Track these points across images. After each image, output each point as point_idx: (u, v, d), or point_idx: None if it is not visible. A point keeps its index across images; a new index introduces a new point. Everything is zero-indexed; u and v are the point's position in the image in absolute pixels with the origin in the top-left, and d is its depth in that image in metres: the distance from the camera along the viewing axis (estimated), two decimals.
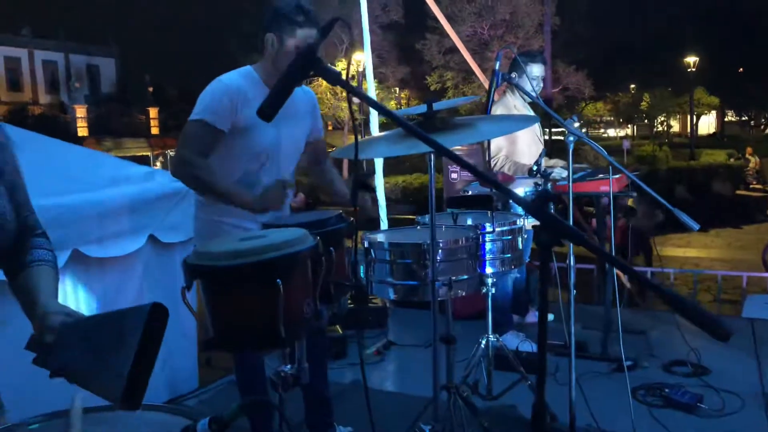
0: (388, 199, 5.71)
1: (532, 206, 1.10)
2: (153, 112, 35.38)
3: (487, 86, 3.02)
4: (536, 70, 4.05)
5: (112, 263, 3.23)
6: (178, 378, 3.59)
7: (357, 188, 1.43)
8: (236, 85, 2.47)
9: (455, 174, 7.23)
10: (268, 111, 1.29)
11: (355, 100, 1.48)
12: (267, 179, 2.55)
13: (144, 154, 31.37)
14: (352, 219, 1.70)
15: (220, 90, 2.47)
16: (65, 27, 41.86)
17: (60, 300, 1.41)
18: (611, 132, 47.81)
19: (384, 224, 5.34)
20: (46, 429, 1.23)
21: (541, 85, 4.15)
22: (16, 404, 1.46)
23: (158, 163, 30.78)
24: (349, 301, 4.33)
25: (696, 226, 2.66)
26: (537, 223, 1.12)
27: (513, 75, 3.95)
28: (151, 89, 36.62)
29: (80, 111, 32.55)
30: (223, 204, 2.49)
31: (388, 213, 5.47)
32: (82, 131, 31.67)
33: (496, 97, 4.08)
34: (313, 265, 1.35)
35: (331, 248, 1.43)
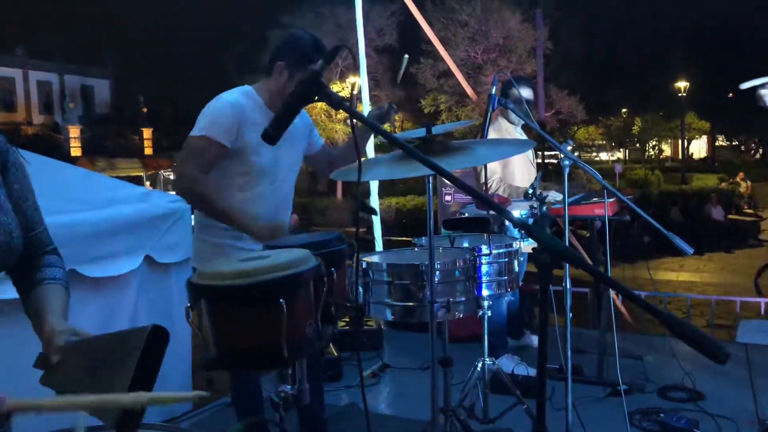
0: (381, 221, 5.73)
1: (531, 229, 1.12)
2: (147, 132, 35.46)
3: (479, 109, 3.06)
4: (525, 93, 4.08)
5: (108, 283, 3.23)
6: None
7: (359, 210, 1.45)
8: (239, 103, 2.50)
9: (449, 196, 7.27)
10: (273, 134, 1.31)
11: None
12: (265, 199, 2.57)
13: (137, 174, 31.37)
14: (352, 241, 1.72)
15: (224, 107, 2.49)
16: (60, 47, 42.07)
17: None
18: (603, 156, 48.14)
19: (379, 246, 5.35)
20: None
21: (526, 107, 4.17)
22: (22, 422, 1.45)
23: (169, 174, 30.36)
24: (342, 323, 4.32)
25: (690, 250, 2.68)
26: (535, 245, 1.14)
27: (512, 100, 4.01)
28: (145, 110, 36.71)
29: (74, 131, 32.59)
30: (220, 223, 2.50)
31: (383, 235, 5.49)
32: (75, 151, 31.68)
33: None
34: (316, 286, 1.36)
35: (333, 269, 1.44)
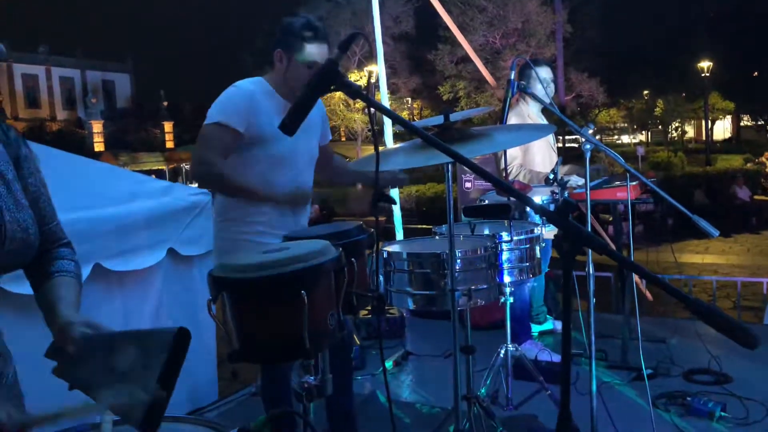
0: (402, 209, 5.73)
1: (553, 215, 1.11)
2: (168, 126, 35.78)
3: (499, 95, 3.03)
4: (543, 73, 4.01)
5: (133, 276, 3.27)
6: (199, 390, 3.61)
7: (377, 200, 1.44)
8: (250, 90, 2.55)
9: (469, 183, 7.25)
10: (290, 125, 1.31)
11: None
12: (286, 185, 2.58)
13: (159, 167, 31.68)
14: (372, 230, 1.72)
15: (235, 94, 2.54)
16: (82, 44, 42.56)
17: (83, 313, 1.42)
18: (625, 138, 47.55)
19: (399, 235, 5.35)
20: None
21: (552, 86, 4.10)
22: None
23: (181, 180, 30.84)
24: (364, 312, 4.33)
25: (715, 233, 2.64)
26: (556, 231, 1.13)
27: (529, 83, 3.95)
28: (165, 104, 37.00)
29: (97, 126, 33.02)
30: (244, 203, 2.51)
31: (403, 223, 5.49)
32: (99, 146, 32.11)
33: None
34: (337, 276, 1.36)
35: (353, 259, 1.44)
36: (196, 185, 3.51)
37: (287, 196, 2.46)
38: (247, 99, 2.50)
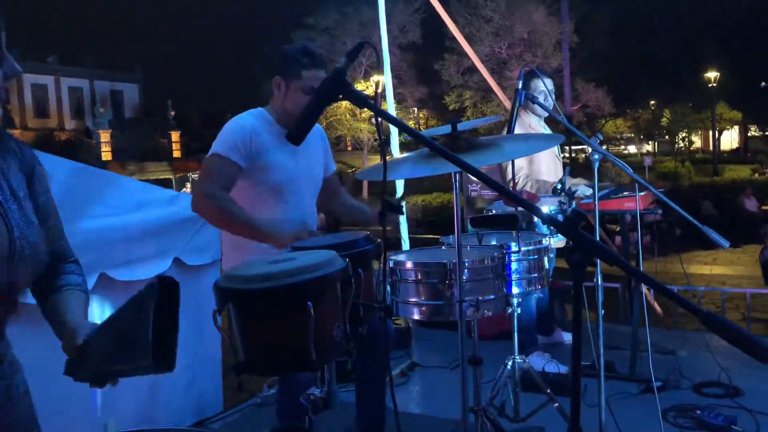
0: (408, 219, 5.71)
1: (562, 225, 1.10)
2: (175, 135, 35.91)
3: (506, 104, 3.02)
4: (547, 84, 3.97)
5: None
6: (204, 401, 3.59)
7: (386, 210, 1.43)
8: (250, 123, 2.56)
9: (474, 192, 7.24)
10: (297, 134, 1.30)
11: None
12: (289, 214, 2.57)
13: (166, 177, 31.79)
14: (379, 240, 1.71)
15: (235, 128, 2.55)
16: (91, 54, 42.85)
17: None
18: (632, 149, 47.42)
19: (405, 245, 5.33)
20: None
21: (551, 98, 4.05)
22: (53, 425, 1.46)
23: (188, 186, 30.86)
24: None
25: (726, 244, 2.62)
26: (563, 242, 1.12)
27: (537, 93, 3.92)
28: (173, 114, 37.16)
29: (104, 136, 33.14)
30: (246, 238, 2.49)
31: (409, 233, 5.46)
32: (106, 155, 32.23)
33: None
34: (343, 287, 1.35)
35: (360, 270, 1.43)
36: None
37: (290, 236, 2.37)
38: (244, 132, 2.52)
